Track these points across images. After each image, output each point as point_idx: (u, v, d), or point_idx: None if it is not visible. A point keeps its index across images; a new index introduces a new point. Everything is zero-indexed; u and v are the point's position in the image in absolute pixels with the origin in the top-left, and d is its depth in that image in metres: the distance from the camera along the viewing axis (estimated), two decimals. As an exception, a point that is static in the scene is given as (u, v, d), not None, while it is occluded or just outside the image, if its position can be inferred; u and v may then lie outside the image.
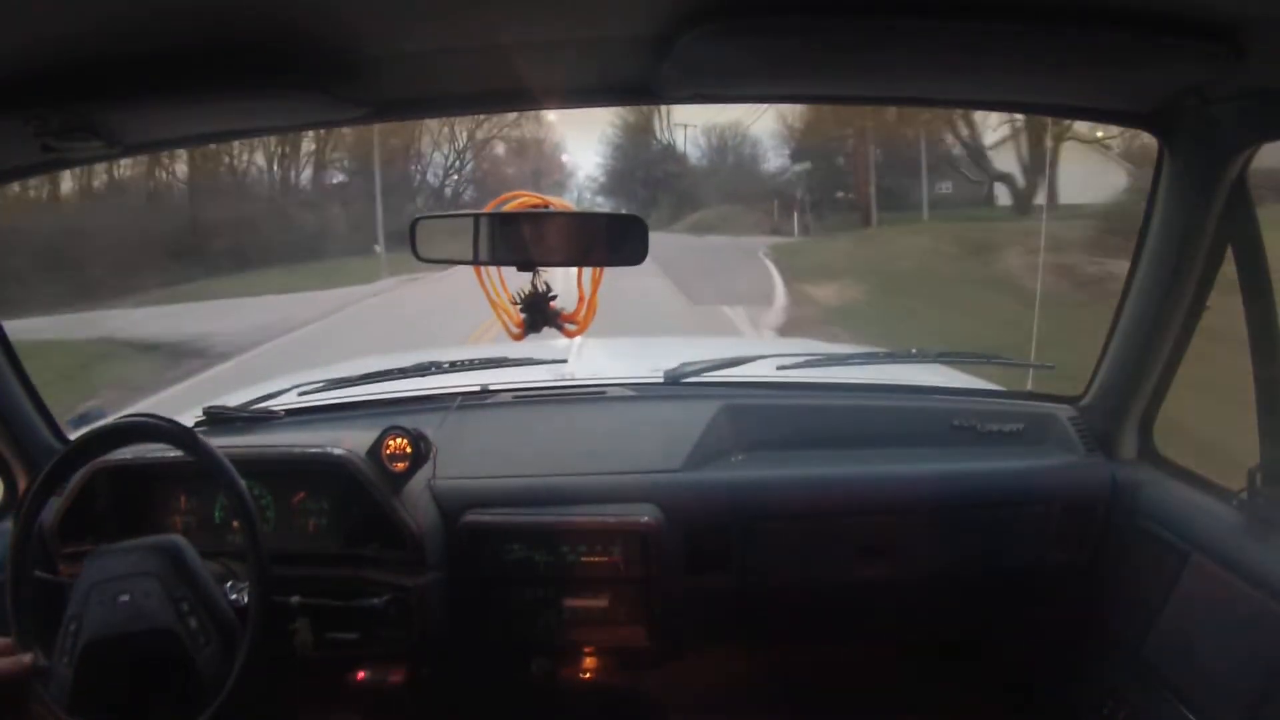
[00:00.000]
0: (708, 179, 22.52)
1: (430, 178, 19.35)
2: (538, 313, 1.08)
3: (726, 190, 21.57)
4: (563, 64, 1.07)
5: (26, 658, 0.90)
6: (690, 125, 21.85)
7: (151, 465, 1.33)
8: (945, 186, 16.80)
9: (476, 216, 1.03)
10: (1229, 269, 1.18)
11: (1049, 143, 13.06)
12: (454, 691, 1.50)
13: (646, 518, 1.34)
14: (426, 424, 1.40)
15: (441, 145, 19.02)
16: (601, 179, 22.53)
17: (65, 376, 5.78)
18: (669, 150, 22.58)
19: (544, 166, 20.56)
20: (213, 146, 13.29)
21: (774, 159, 21.26)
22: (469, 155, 19.62)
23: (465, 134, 18.86)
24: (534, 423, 1.55)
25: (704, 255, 14.00)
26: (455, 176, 19.72)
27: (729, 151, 22.73)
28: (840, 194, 18.72)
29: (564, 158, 21.73)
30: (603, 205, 21.11)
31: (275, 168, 16.75)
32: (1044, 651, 1.57)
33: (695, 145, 22.89)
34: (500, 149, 20.25)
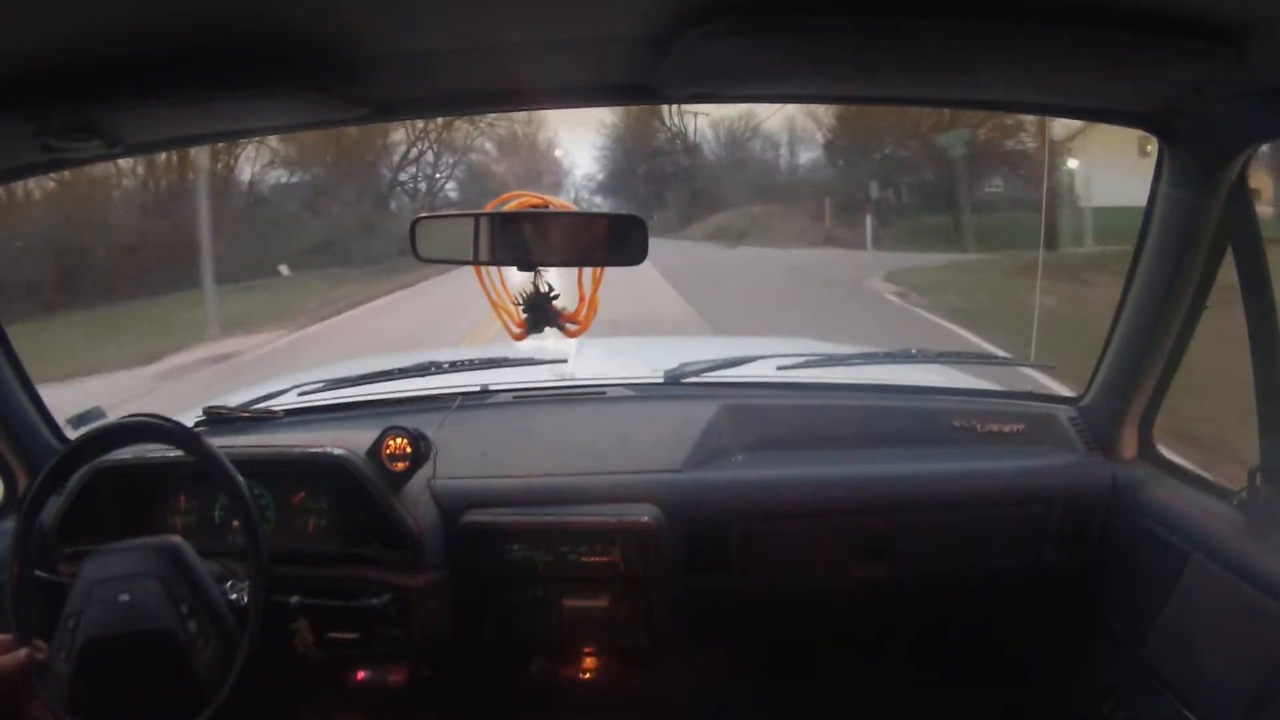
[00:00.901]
0: (729, 173, 18.11)
1: (383, 177, 15.62)
2: (539, 312, 1.08)
3: (756, 186, 17.11)
4: (562, 63, 1.07)
5: (23, 652, 0.90)
6: (701, 114, 17.94)
7: (151, 465, 1.33)
8: (994, 184, 13.57)
9: (477, 216, 1.04)
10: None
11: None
12: (454, 691, 1.50)
13: (646, 518, 1.34)
14: (426, 424, 1.40)
15: (409, 132, 15.42)
16: (600, 176, 19.17)
17: None
18: (678, 139, 18.65)
19: (537, 165, 17.26)
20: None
21: (823, 147, 16.74)
22: (429, 143, 15.91)
23: (425, 124, 15.10)
24: (534, 423, 1.55)
25: (776, 296, 8.34)
26: (413, 170, 16.41)
27: (752, 140, 18.25)
28: (915, 193, 13.94)
29: (558, 153, 18.54)
30: (601, 205, 18.07)
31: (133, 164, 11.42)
32: (1044, 651, 1.57)
33: (711, 133, 18.73)
34: (484, 142, 16.87)
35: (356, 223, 13.39)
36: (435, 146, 16.47)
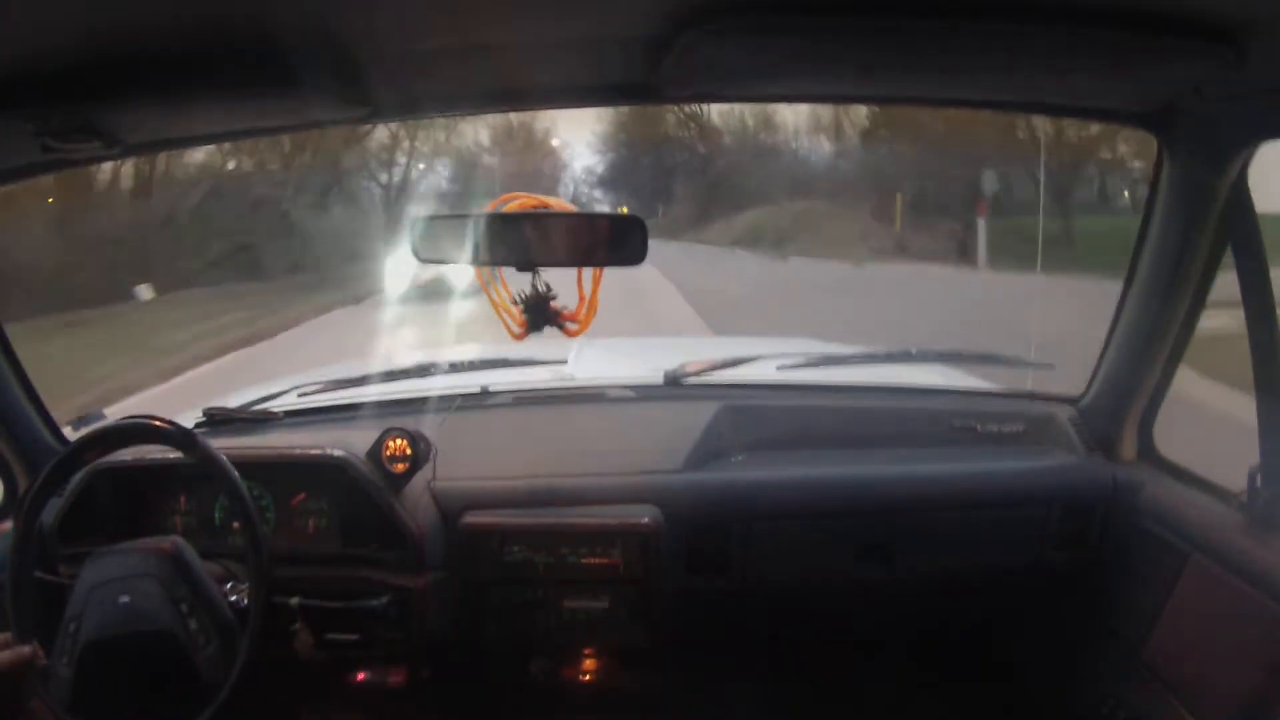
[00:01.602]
0: (758, 161, 14.27)
1: (329, 161, 11.49)
2: (539, 313, 1.08)
3: (793, 176, 13.37)
4: (563, 63, 1.07)
5: (25, 649, 0.90)
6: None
7: (151, 466, 1.33)
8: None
9: (477, 217, 1.04)
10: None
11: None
12: (454, 692, 1.50)
13: (646, 518, 1.34)
14: (426, 425, 1.40)
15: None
16: (600, 167, 15.48)
17: None
18: (692, 122, 14.96)
19: (532, 154, 14.24)
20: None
21: (878, 125, 12.03)
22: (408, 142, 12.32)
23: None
24: (534, 423, 1.55)
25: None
26: (379, 155, 12.50)
27: (784, 122, 13.69)
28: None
29: (554, 141, 15.24)
30: (600, 199, 15.65)
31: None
32: (1043, 651, 1.57)
33: (730, 116, 14.72)
34: (464, 125, 13.01)
35: (276, 221, 10.22)
36: (402, 128, 12.53)
